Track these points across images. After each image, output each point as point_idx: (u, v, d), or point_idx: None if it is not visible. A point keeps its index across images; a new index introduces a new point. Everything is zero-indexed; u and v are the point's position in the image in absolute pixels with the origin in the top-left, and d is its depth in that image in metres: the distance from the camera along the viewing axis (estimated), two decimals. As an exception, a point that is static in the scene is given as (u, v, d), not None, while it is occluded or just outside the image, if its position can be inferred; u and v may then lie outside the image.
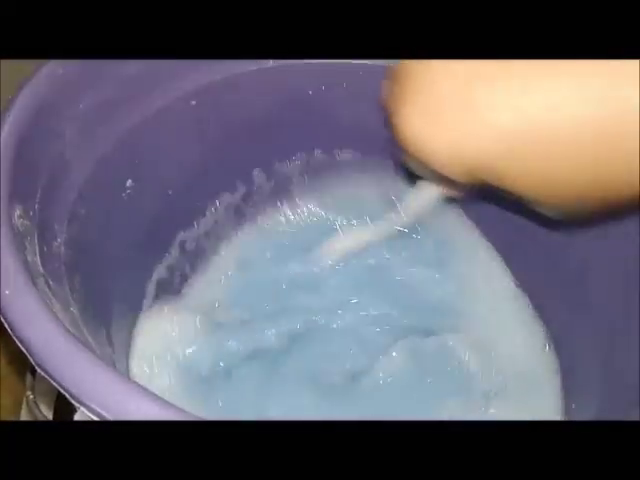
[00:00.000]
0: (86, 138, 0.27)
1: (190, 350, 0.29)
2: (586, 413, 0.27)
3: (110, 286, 0.27)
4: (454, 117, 0.20)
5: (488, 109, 0.19)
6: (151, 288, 0.31)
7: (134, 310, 0.29)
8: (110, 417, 0.14)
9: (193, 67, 0.30)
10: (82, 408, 0.15)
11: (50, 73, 0.25)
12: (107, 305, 0.26)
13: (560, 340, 0.31)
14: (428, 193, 0.28)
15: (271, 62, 0.31)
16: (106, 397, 0.15)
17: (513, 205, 0.27)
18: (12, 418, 0.34)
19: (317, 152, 0.33)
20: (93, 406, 0.15)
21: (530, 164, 0.20)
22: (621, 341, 0.27)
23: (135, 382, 0.15)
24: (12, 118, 0.23)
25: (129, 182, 0.29)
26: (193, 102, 0.31)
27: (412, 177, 0.28)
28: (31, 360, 0.16)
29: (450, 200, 0.30)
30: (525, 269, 0.33)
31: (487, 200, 0.31)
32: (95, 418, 0.15)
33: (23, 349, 0.16)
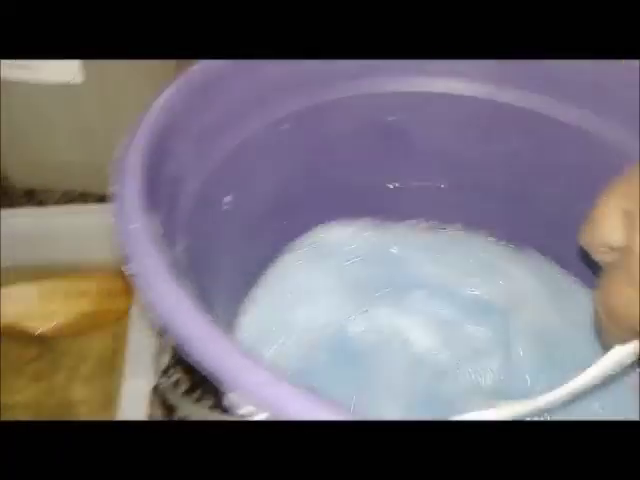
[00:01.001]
0: (197, 157, 0.29)
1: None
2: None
3: (215, 290, 0.29)
4: None
5: None
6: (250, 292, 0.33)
7: (234, 316, 0.31)
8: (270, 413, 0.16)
9: (290, 92, 0.33)
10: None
11: (169, 98, 0.28)
12: (213, 311, 0.29)
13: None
14: (623, 354, 0.24)
15: (364, 89, 0.33)
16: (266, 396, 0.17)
17: None
18: (103, 414, 0.36)
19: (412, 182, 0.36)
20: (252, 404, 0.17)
21: None
22: None
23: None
24: (142, 138, 0.26)
25: (228, 198, 0.32)
26: (286, 126, 0.33)
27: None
28: (192, 356, 0.18)
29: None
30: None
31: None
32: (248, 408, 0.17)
33: (180, 345, 0.19)
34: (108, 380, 0.38)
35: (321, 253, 0.34)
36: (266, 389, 0.17)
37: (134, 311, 0.37)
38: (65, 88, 0.43)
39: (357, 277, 0.34)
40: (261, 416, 0.17)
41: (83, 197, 0.50)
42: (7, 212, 0.43)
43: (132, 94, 0.45)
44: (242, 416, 0.18)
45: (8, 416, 0.37)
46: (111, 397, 0.37)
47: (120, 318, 0.40)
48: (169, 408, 0.36)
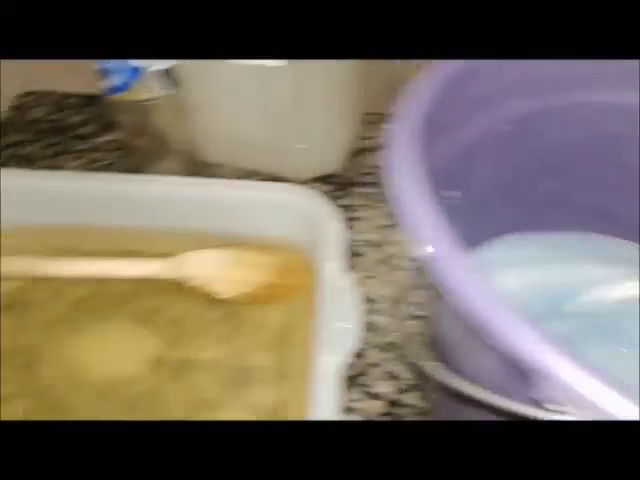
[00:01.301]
0: (433, 149, 0.30)
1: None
2: None
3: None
4: None
5: None
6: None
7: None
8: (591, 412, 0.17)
9: (518, 95, 0.33)
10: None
11: (426, 94, 0.29)
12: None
13: None
14: None
15: (592, 96, 0.33)
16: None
17: None
18: (279, 382, 0.38)
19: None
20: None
21: None
22: None
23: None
24: (407, 132, 0.27)
25: (452, 194, 0.33)
26: (509, 128, 0.34)
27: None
28: (504, 346, 0.19)
29: None
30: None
31: None
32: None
33: (486, 332, 0.19)
34: (283, 351, 0.40)
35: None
36: (589, 387, 0.18)
37: (319, 288, 0.38)
38: (262, 70, 0.45)
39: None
40: (579, 414, 0.18)
41: (251, 174, 0.53)
42: (200, 180, 0.44)
43: (322, 85, 0.46)
44: (554, 411, 0.18)
45: (192, 371, 0.39)
46: (286, 368, 0.39)
47: (295, 293, 0.41)
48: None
